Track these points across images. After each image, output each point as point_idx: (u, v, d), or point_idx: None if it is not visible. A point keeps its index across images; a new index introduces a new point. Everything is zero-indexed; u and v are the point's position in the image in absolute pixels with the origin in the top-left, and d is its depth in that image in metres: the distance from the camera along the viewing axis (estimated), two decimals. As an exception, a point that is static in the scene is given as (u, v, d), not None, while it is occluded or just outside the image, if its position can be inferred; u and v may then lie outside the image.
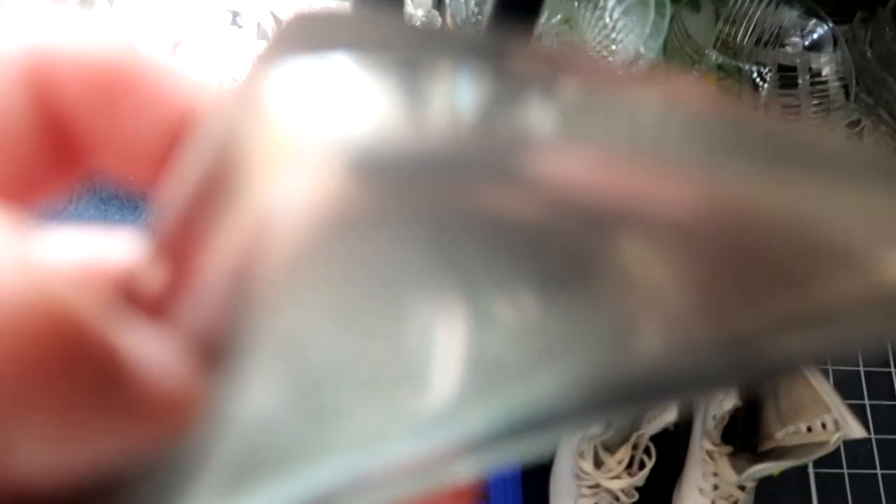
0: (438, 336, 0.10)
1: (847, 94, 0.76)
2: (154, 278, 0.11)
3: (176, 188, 0.11)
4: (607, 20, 0.76)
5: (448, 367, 0.11)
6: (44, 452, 0.09)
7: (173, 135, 0.12)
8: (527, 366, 0.11)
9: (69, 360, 0.08)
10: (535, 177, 0.08)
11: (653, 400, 0.12)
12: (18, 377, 0.08)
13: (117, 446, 0.10)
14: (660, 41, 0.74)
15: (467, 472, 0.13)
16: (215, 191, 0.10)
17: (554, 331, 0.11)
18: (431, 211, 0.08)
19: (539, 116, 0.09)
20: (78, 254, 0.14)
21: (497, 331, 0.11)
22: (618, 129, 0.09)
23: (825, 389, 0.60)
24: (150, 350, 0.10)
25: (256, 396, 0.11)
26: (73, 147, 0.12)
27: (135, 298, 0.11)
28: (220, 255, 0.10)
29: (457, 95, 0.09)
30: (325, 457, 0.12)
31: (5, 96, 0.11)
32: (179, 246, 0.11)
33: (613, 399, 0.12)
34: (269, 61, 0.09)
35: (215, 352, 0.11)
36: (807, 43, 0.80)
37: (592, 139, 0.09)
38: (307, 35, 0.09)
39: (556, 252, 0.09)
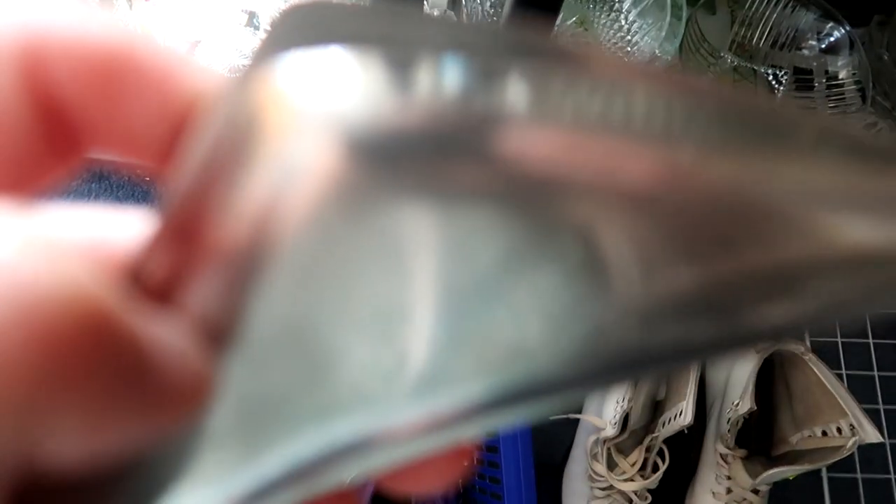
0: (433, 302, 0.11)
1: (864, 97, 0.76)
2: (160, 259, 0.11)
3: (183, 171, 0.11)
4: (623, 22, 0.76)
5: (442, 329, 0.12)
6: (74, 439, 0.09)
7: (176, 120, 0.11)
8: (514, 334, 0.12)
9: (100, 350, 0.09)
10: (503, 154, 0.09)
11: (639, 366, 0.13)
12: (52, 368, 0.08)
13: (141, 430, 0.10)
14: (675, 43, 0.74)
15: (465, 435, 0.14)
16: (223, 171, 0.10)
17: (534, 299, 0.12)
18: (413, 183, 0.10)
19: (518, 97, 0.09)
20: (86, 234, 0.13)
21: (481, 297, 0.12)
22: (594, 109, 0.10)
23: (840, 393, 0.60)
24: (167, 335, 0.10)
25: (260, 371, 0.12)
26: (72, 133, 0.12)
27: (142, 279, 0.12)
28: (233, 226, 0.10)
29: (441, 80, 0.09)
30: (329, 419, 0.13)
31: None
32: (186, 227, 0.11)
33: (602, 366, 0.12)
34: (270, 52, 0.09)
35: (219, 331, 0.11)
36: (823, 46, 0.80)
37: (566, 118, 0.09)
38: (304, 26, 0.10)
39: (524, 223, 0.10)
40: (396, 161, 0.09)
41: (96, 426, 0.09)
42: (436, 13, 0.74)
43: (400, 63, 0.09)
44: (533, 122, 0.09)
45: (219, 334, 0.12)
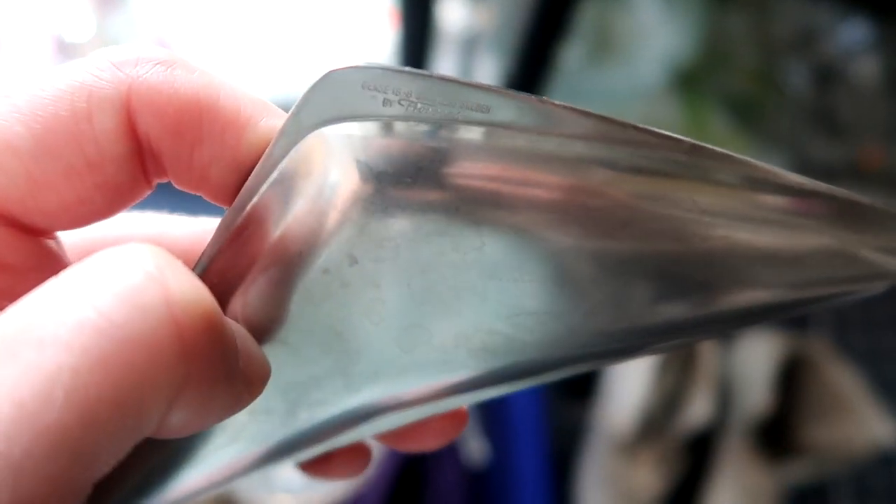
0: (433, 298, 0.15)
1: (886, 94, 0.75)
2: (220, 262, 0.15)
3: (246, 194, 0.14)
4: (641, 18, 0.76)
5: (443, 323, 0.16)
6: (189, 412, 0.12)
7: (241, 165, 0.14)
8: (499, 327, 0.16)
9: (216, 345, 0.12)
10: (451, 175, 0.13)
11: (619, 349, 0.16)
12: (188, 358, 0.11)
13: (228, 408, 0.13)
14: (695, 41, 0.73)
15: (466, 403, 0.18)
16: (280, 196, 0.14)
17: (513, 298, 0.15)
18: (396, 198, 0.14)
19: (473, 136, 0.13)
20: (149, 231, 0.17)
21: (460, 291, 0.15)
22: (527, 145, 0.13)
23: (862, 396, 0.60)
24: (241, 333, 0.14)
25: (302, 363, 0.16)
26: (156, 168, 0.15)
27: (206, 277, 0.15)
28: (285, 232, 0.14)
29: (414, 127, 0.13)
30: (352, 395, 0.17)
31: (105, 125, 0.13)
32: (244, 237, 0.14)
33: (581, 350, 0.16)
34: (313, 111, 0.14)
35: (264, 329, 0.15)
36: (846, 43, 0.79)
37: (504, 151, 0.13)
38: (340, 90, 0.14)
39: (490, 235, 0.14)
40: (391, 179, 0.13)
41: (206, 402, 0.12)
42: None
43: (391, 118, 0.13)
44: (478, 153, 0.13)
45: (265, 335, 0.15)
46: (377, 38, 0.76)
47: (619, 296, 0.15)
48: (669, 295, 0.15)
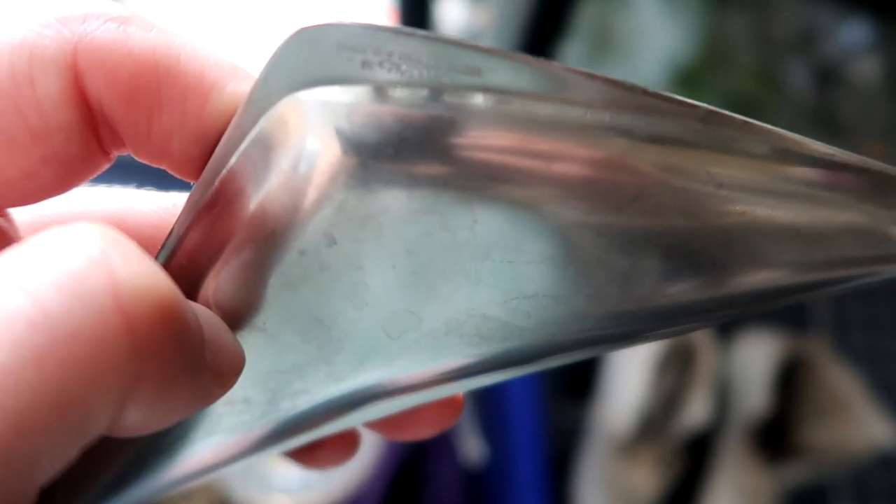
0: (421, 282, 0.14)
1: (886, 94, 0.74)
2: (190, 242, 0.13)
3: (214, 165, 0.13)
4: (641, 18, 0.76)
5: (432, 308, 0.14)
6: (146, 411, 0.10)
7: (206, 135, 0.13)
8: (494, 312, 0.14)
9: (173, 334, 0.10)
10: (457, 146, 0.12)
11: (624, 333, 0.15)
12: (141, 348, 0.10)
13: (194, 403, 0.12)
14: (695, 40, 0.73)
15: (461, 390, 0.17)
16: (252, 167, 0.12)
17: (511, 281, 0.14)
18: (389, 172, 0.12)
19: (481, 102, 0.12)
20: (113, 208, 0.16)
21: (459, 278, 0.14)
22: (544, 112, 0.12)
23: (861, 397, 0.59)
24: (211, 320, 0.12)
25: (281, 350, 0.15)
26: (111, 137, 0.13)
27: (173, 260, 0.14)
28: (260, 207, 0.13)
29: (413, 91, 0.12)
30: (335, 383, 0.16)
31: (49, 89, 0.12)
32: (214, 214, 0.13)
33: (585, 334, 0.15)
34: (285, 73, 0.12)
35: (239, 313, 0.14)
36: (846, 42, 0.79)
37: (517, 119, 0.12)
38: (311, 49, 0.12)
39: (490, 210, 0.13)
40: (376, 152, 0.12)
41: (166, 399, 0.11)
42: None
43: (383, 83, 0.12)
44: (487, 122, 0.12)
45: (239, 321, 0.14)
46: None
47: (626, 276, 0.14)
48: (680, 275, 0.14)
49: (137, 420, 0.11)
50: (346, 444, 0.20)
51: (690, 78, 0.76)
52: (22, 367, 0.09)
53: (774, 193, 0.13)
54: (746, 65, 0.78)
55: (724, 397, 0.65)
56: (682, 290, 0.14)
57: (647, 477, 0.62)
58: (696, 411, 0.60)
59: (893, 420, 0.59)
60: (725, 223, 0.13)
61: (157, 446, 0.17)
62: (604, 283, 0.14)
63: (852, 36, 0.78)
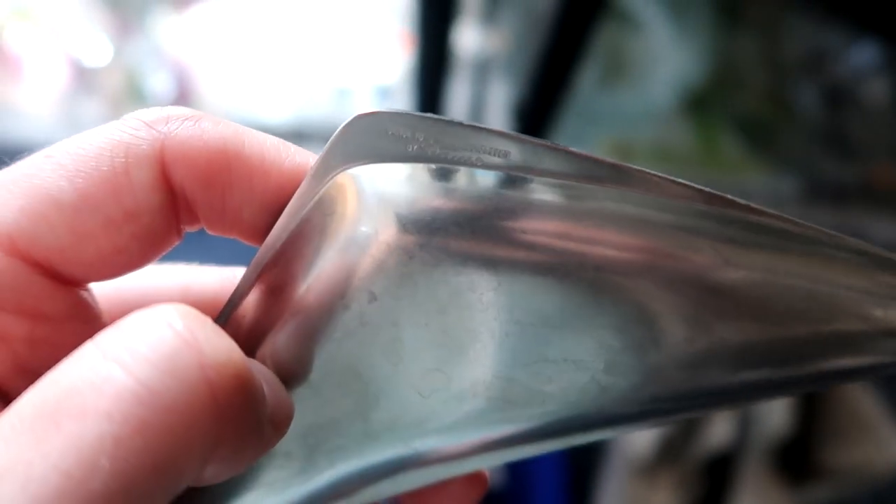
0: (473, 356, 0.15)
1: (898, 116, 0.75)
2: (249, 309, 0.15)
3: (274, 240, 0.15)
4: (652, 41, 0.77)
5: (475, 379, 0.15)
6: (222, 465, 0.12)
7: (275, 202, 0.15)
8: (538, 388, 0.15)
9: (247, 402, 0.12)
10: (520, 229, 0.14)
11: (692, 405, 0.16)
12: (223, 416, 0.12)
13: (258, 454, 0.13)
14: (705, 63, 0.74)
15: (486, 464, 0.18)
16: (308, 244, 0.14)
17: (577, 351, 0.15)
18: (445, 250, 0.14)
19: (542, 195, 0.14)
20: (178, 281, 0.18)
21: (509, 353, 0.15)
22: (598, 206, 0.14)
23: (882, 417, 0.59)
24: (268, 377, 0.14)
25: (322, 405, 0.16)
26: (189, 216, 0.15)
27: (234, 326, 0.15)
28: (313, 284, 0.14)
29: (475, 180, 0.14)
30: (369, 445, 0.17)
31: (142, 178, 0.14)
32: (274, 285, 0.15)
33: (653, 406, 0.16)
34: (342, 155, 0.14)
35: (290, 372, 0.15)
36: (856, 64, 0.79)
37: (577, 212, 0.14)
38: (367, 135, 0.14)
39: (559, 287, 0.14)
40: (434, 232, 0.14)
41: (238, 454, 0.13)
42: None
43: (441, 167, 0.14)
44: (545, 212, 0.14)
45: (289, 374, 0.16)
46: (389, 61, 0.76)
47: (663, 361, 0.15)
48: (750, 365, 0.15)
49: (213, 473, 0.12)
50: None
51: (702, 101, 0.77)
52: (130, 436, 0.10)
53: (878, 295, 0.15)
54: (757, 87, 0.78)
55: (744, 418, 0.64)
56: (750, 377, 0.15)
57: (667, 499, 0.62)
58: (716, 432, 0.60)
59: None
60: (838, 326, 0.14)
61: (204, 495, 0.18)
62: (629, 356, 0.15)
63: (862, 58, 0.79)
